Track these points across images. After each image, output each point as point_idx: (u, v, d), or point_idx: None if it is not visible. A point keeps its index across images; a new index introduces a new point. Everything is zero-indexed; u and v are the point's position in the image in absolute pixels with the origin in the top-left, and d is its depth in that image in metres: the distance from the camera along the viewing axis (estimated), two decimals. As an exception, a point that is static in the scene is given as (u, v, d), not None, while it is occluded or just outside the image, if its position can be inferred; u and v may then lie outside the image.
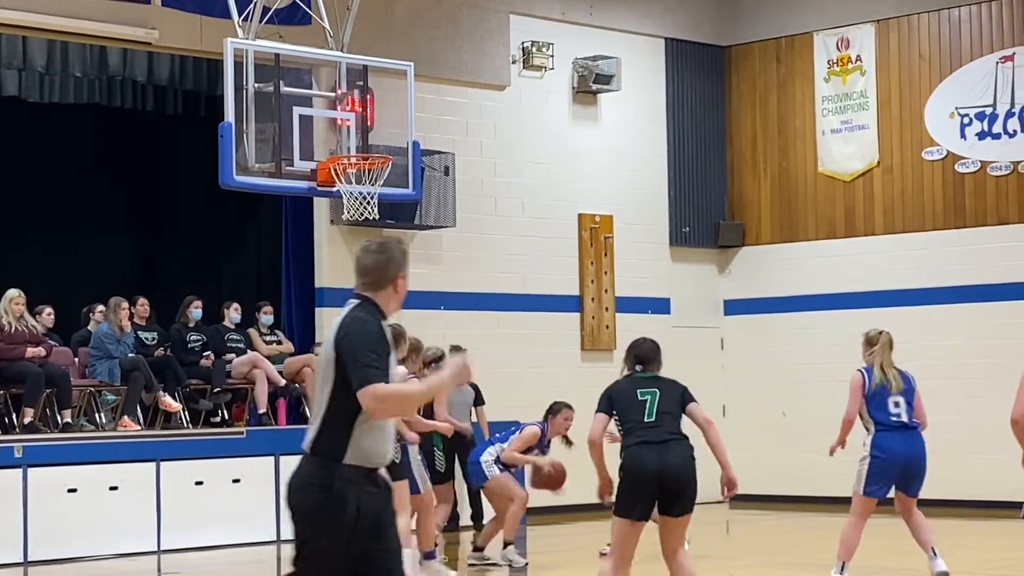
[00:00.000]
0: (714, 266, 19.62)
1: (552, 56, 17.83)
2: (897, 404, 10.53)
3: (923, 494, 10.66)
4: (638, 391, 8.55)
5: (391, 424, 5.61)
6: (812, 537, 15.21)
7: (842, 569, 10.50)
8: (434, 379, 5.61)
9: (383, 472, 5.53)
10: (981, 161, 17.53)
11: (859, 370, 10.71)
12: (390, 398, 5.37)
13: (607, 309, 18.32)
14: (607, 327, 18.26)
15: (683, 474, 8.25)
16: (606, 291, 18.33)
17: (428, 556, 11.16)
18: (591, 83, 18.11)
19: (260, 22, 13.50)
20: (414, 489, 10.64)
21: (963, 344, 17.31)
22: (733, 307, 19.50)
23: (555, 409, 12.31)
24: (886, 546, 12.35)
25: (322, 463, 5.40)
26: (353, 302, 5.63)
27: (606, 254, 18.38)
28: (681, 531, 8.48)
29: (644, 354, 8.74)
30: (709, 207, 19.49)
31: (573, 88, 18.25)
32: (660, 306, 18.91)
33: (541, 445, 12.16)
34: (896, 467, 10.49)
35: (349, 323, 5.50)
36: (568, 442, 12.26)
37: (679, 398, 8.50)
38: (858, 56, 18.48)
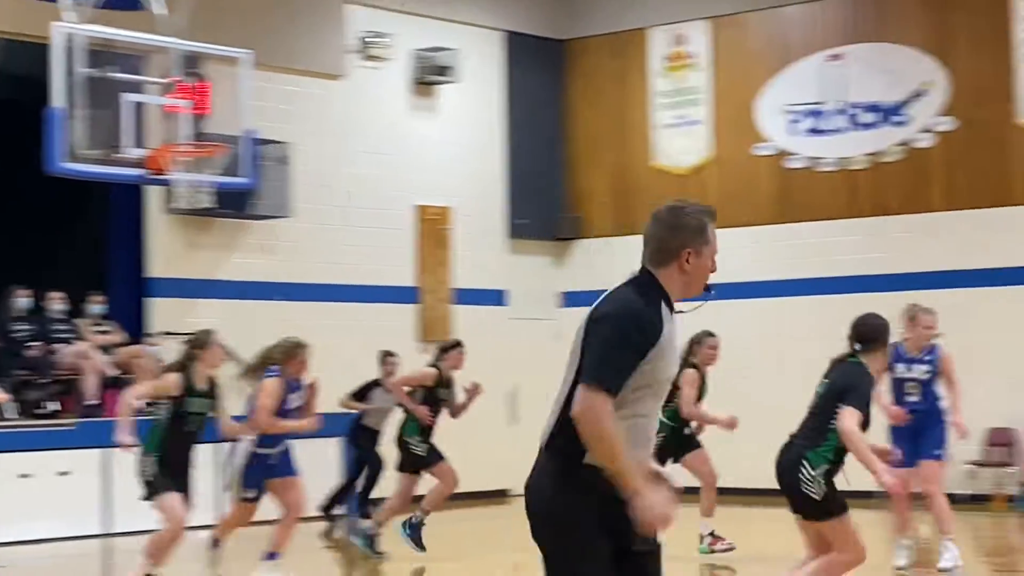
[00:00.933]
0: (551, 258, 19.75)
1: (391, 47, 17.80)
2: None
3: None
4: (823, 379, 7.58)
5: (650, 424, 4.60)
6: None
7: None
8: (632, 475, 4.40)
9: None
10: (810, 157, 17.90)
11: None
12: (592, 416, 4.38)
13: (444, 301, 18.35)
14: (445, 319, 18.29)
15: (782, 477, 7.50)
16: (443, 283, 18.36)
17: (270, 557, 10.87)
18: (430, 74, 18.12)
19: (91, 6, 13.26)
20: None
21: (789, 336, 17.65)
22: (571, 299, 19.64)
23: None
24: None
25: (559, 464, 4.53)
26: (634, 274, 4.65)
27: (444, 246, 18.40)
28: (816, 532, 7.60)
29: (864, 332, 7.56)
30: (547, 200, 19.61)
31: (412, 79, 18.24)
32: (497, 298, 19.01)
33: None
34: None
35: (613, 306, 4.50)
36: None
37: (836, 395, 7.39)
38: (693, 52, 18.75)
